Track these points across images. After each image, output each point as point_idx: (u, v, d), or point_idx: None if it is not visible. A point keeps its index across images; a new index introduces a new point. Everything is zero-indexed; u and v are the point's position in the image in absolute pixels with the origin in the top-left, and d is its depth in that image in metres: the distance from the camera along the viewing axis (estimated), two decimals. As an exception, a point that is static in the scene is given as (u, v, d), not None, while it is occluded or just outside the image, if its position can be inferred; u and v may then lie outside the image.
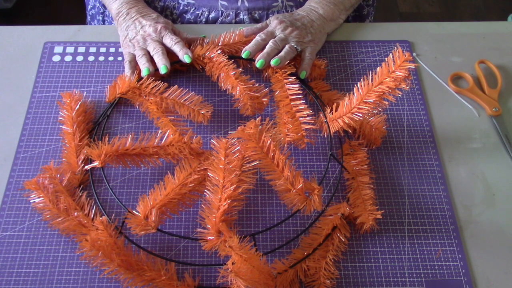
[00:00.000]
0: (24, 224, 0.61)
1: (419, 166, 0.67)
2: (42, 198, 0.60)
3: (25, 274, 0.58)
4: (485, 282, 0.59)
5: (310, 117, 0.65)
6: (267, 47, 0.71)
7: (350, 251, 0.60)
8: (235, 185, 0.56)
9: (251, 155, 0.58)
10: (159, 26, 0.74)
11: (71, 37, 0.80)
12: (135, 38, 0.74)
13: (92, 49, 0.78)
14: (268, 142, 0.58)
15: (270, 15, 0.85)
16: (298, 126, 0.64)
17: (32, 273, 0.58)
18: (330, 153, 0.66)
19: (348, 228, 0.61)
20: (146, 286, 0.55)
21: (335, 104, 0.65)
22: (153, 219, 0.56)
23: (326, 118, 0.66)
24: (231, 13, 0.84)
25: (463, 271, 0.59)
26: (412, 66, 0.57)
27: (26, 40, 0.80)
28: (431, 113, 0.73)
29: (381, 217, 0.60)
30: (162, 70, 0.69)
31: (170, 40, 0.73)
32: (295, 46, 0.72)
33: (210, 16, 0.85)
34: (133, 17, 0.76)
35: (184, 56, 0.70)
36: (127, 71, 0.72)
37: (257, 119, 0.59)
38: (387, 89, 0.58)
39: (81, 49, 0.78)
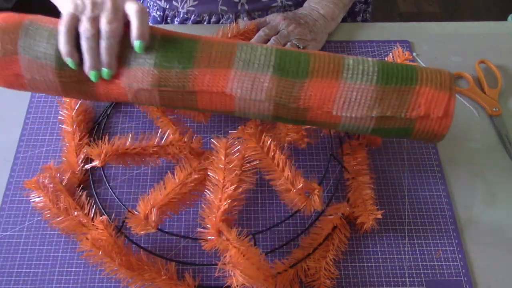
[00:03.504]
0: (24, 224, 0.61)
1: (419, 166, 0.67)
2: (42, 198, 0.60)
3: (25, 274, 0.58)
4: (485, 282, 0.58)
5: None
6: (268, 44, 0.71)
7: (350, 251, 0.60)
8: (235, 185, 0.56)
9: (251, 154, 0.58)
10: None
11: (71, 37, 0.80)
12: None
13: (92, 49, 0.78)
14: (269, 142, 0.59)
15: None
16: (299, 125, 0.64)
17: (32, 273, 0.58)
18: (330, 153, 0.66)
19: (348, 228, 0.61)
20: (147, 285, 0.55)
21: None
22: (153, 218, 0.56)
23: None
24: (231, 15, 0.84)
25: (463, 271, 0.59)
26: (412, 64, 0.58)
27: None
28: (431, 113, 0.73)
29: (381, 217, 0.59)
30: (105, 75, 0.54)
31: (133, 3, 0.54)
32: (296, 43, 0.72)
33: (211, 20, 0.85)
34: None
35: (137, 42, 0.52)
36: (64, 47, 0.52)
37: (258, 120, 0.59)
38: None
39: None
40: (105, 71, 0.53)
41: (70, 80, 0.54)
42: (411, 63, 0.59)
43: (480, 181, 0.67)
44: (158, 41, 0.54)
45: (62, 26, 0.52)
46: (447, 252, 0.60)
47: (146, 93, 0.54)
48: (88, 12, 0.52)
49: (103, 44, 0.53)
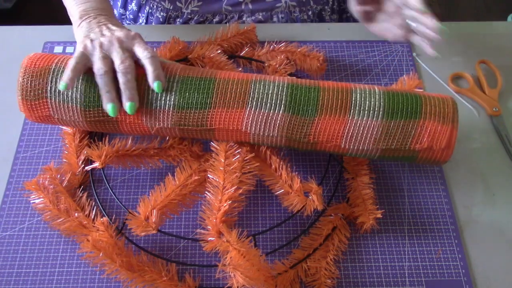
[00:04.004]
0: (24, 224, 0.61)
1: (419, 166, 0.67)
2: (42, 199, 0.60)
3: (25, 274, 0.58)
4: (485, 282, 0.59)
5: None
6: None
7: (350, 251, 0.60)
8: (235, 186, 0.56)
9: (249, 158, 0.58)
10: (132, 32, 0.59)
11: (71, 37, 0.79)
12: (99, 39, 0.58)
13: (92, 49, 0.78)
14: (264, 147, 0.60)
15: (274, 16, 0.85)
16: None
17: (32, 273, 0.58)
18: (329, 153, 0.66)
19: (348, 228, 0.61)
20: (147, 286, 0.55)
21: None
22: (153, 220, 0.56)
23: None
24: (235, 15, 0.84)
25: (463, 271, 0.59)
26: (420, 89, 0.62)
27: (26, 40, 0.79)
28: (431, 113, 0.73)
29: (381, 216, 0.60)
30: (129, 109, 0.55)
31: (143, 50, 0.57)
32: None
33: (214, 20, 0.85)
34: (101, 22, 0.62)
35: (155, 83, 0.55)
36: (68, 74, 0.54)
37: None
38: None
39: (81, 49, 0.78)
40: (127, 104, 0.55)
41: (96, 120, 0.58)
42: (418, 90, 0.62)
43: (480, 181, 0.67)
44: (176, 82, 0.57)
45: (71, 60, 0.56)
46: (447, 252, 0.60)
47: (167, 130, 0.59)
48: (97, 53, 0.56)
49: (121, 80, 0.55)
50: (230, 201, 0.55)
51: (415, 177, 0.66)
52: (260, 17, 0.85)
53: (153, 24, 0.88)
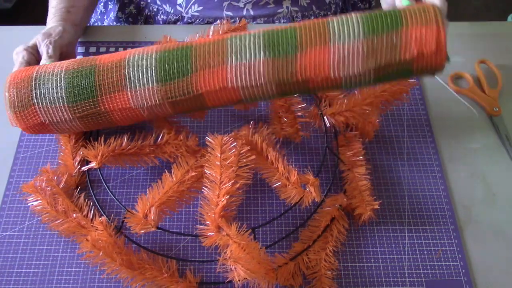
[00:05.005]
0: (24, 224, 0.61)
1: (419, 166, 0.67)
2: (40, 201, 0.60)
3: (25, 274, 0.58)
4: (485, 282, 0.58)
5: (305, 110, 0.66)
6: None
7: (350, 251, 0.60)
8: (232, 181, 0.56)
9: (246, 151, 0.58)
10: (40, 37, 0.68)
11: (71, 37, 0.79)
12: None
13: (92, 49, 0.78)
14: (259, 140, 0.60)
15: (276, 22, 0.85)
16: (293, 119, 0.65)
17: (32, 273, 0.58)
18: (325, 145, 0.66)
19: (346, 219, 0.61)
20: (148, 284, 0.55)
21: (328, 96, 0.67)
22: (152, 217, 0.56)
23: (320, 111, 0.66)
24: (236, 21, 0.85)
25: (463, 271, 0.59)
26: (414, 84, 0.62)
27: (26, 40, 0.79)
28: (431, 113, 0.73)
29: (378, 207, 0.60)
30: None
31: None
32: None
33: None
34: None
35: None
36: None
37: (251, 122, 0.59)
38: (390, 97, 0.63)
39: (81, 49, 0.78)
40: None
41: (85, 113, 0.58)
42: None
43: (480, 181, 0.67)
44: (154, 58, 0.57)
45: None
46: (447, 252, 0.60)
47: (158, 108, 0.58)
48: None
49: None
50: (228, 196, 0.55)
51: (415, 177, 0.66)
52: (262, 22, 0.86)
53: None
